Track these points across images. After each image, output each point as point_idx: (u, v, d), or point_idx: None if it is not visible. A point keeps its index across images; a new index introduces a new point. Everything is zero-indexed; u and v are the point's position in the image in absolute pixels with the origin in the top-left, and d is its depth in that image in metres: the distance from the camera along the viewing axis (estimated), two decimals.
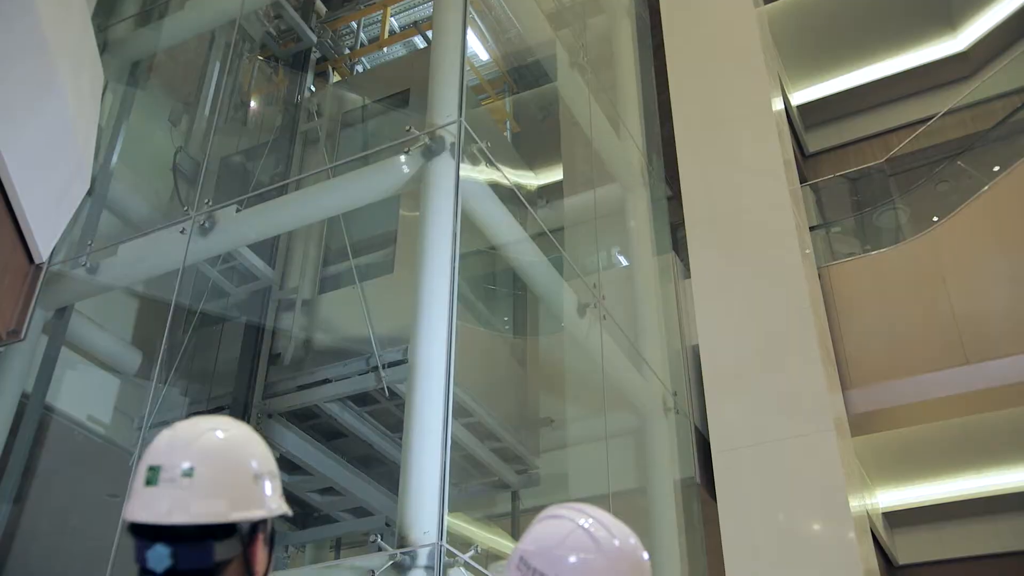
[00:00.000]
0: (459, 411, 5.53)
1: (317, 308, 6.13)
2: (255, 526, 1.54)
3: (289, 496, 1.66)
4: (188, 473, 1.49)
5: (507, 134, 8.47)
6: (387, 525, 5.97)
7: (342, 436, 6.06)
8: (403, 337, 5.15)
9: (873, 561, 6.31)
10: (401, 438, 4.25)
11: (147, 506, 1.47)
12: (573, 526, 1.57)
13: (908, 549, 9.14)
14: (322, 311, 6.11)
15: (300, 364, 5.83)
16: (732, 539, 6.23)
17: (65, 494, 6.10)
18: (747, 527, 6.23)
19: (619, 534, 1.57)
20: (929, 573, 9.01)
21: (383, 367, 5.35)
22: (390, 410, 5.77)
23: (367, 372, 5.47)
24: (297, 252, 6.64)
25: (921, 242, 7.54)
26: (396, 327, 5.45)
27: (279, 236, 6.55)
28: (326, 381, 5.64)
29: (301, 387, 5.73)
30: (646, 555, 1.61)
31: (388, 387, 5.34)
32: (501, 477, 6.51)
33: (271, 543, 1.61)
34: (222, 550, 1.48)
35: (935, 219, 7.72)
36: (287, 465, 5.88)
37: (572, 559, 1.52)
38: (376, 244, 6.35)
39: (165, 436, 1.57)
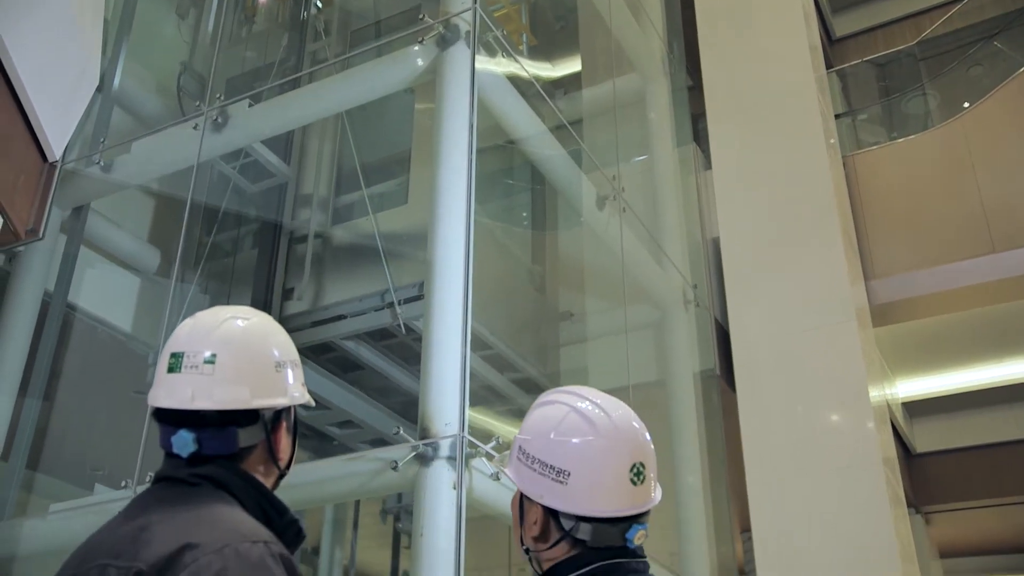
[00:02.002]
0: (477, 344, 5.50)
1: (330, 240, 6.06)
2: (278, 414, 1.55)
3: (307, 430, 1.66)
4: (210, 360, 1.49)
5: (523, 47, 8.21)
6: None
7: (359, 368, 6.05)
8: (419, 271, 5.04)
9: (892, 450, 6.36)
10: (419, 370, 4.22)
11: (171, 393, 1.48)
12: (567, 410, 1.54)
13: (926, 437, 9.21)
14: (335, 243, 6.04)
15: (314, 299, 5.78)
16: (751, 430, 6.29)
17: (92, 391, 6.20)
18: (766, 418, 6.27)
19: (615, 415, 1.54)
20: (947, 460, 9.10)
21: (399, 303, 5.28)
22: (407, 344, 5.73)
23: (382, 308, 5.41)
24: (312, 148, 6.57)
25: (950, 128, 7.33)
26: (411, 261, 5.35)
27: (294, 132, 6.47)
28: (341, 317, 5.58)
29: (316, 323, 5.69)
30: (648, 435, 1.57)
31: (405, 323, 5.27)
32: (522, 407, 6.53)
33: (295, 431, 1.61)
34: (245, 436, 1.49)
35: (966, 105, 7.49)
36: None
37: (568, 443, 1.50)
38: (389, 171, 6.23)
39: (187, 324, 1.57)
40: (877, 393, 6.33)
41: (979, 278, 6.69)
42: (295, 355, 1.61)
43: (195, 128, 5.57)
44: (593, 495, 1.47)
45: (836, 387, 6.13)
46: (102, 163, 5.84)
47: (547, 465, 1.49)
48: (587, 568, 1.46)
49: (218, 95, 5.69)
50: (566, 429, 1.51)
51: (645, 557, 1.54)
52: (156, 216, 6.78)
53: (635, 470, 1.50)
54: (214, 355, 1.49)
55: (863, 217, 7.27)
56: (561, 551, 1.50)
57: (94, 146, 5.99)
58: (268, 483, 1.54)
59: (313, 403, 1.64)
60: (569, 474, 1.47)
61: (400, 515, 6.56)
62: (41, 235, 4.79)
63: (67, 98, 5.20)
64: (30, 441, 5.71)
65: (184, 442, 1.46)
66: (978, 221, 6.81)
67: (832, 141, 7.23)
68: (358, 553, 7.38)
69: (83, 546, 1.43)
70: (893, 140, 7.96)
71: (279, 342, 1.58)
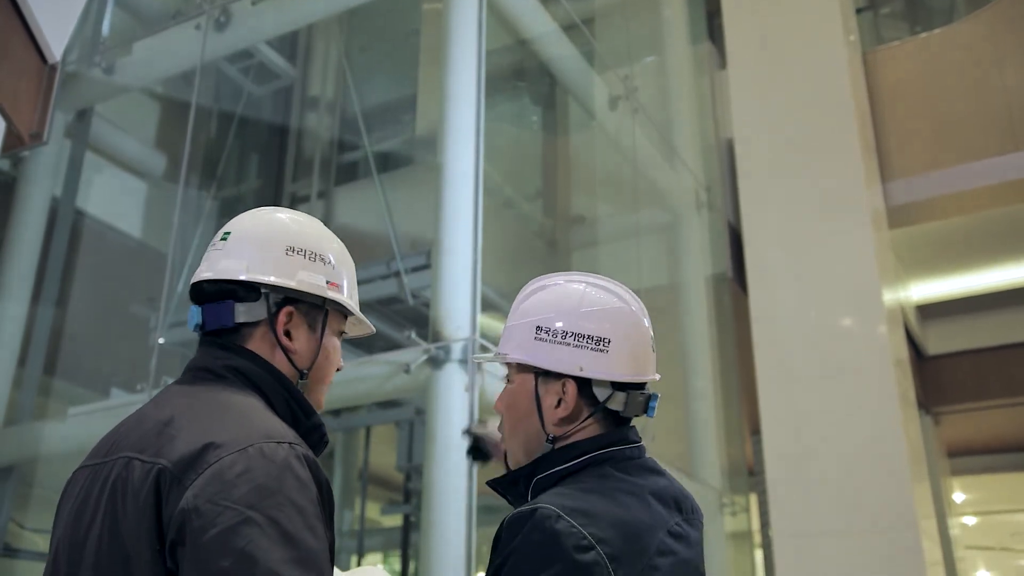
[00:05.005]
0: (486, 306, 5.41)
1: (333, 202, 5.94)
2: (288, 301, 1.50)
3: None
4: (224, 237, 1.52)
5: None
6: (417, 413, 5.91)
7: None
8: (425, 238, 4.89)
9: (904, 352, 6.36)
10: (427, 335, 4.16)
11: (196, 273, 1.52)
12: (581, 286, 1.56)
13: (938, 339, 9.22)
14: (338, 206, 5.92)
15: None
16: (763, 333, 6.28)
17: (105, 296, 6.22)
18: (778, 320, 6.26)
19: (620, 288, 1.59)
20: (958, 362, 9.13)
21: (405, 272, 5.15)
22: (416, 308, 5.63)
23: (388, 276, 5.30)
24: (318, 48, 6.43)
25: (976, 21, 7.08)
26: (417, 226, 5.21)
27: (299, 32, 6.32)
28: None
29: None
30: None
31: (412, 292, 5.14)
32: None
33: (321, 335, 1.53)
34: (243, 312, 1.47)
35: None
36: None
37: (603, 312, 1.53)
38: (394, 126, 6.06)
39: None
40: (890, 295, 6.30)
41: (1001, 177, 6.55)
42: (327, 253, 1.55)
43: (197, 28, 5.44)
44: (631, 359, 1.51)
45: (849, 289, 6.10)
46: (103, 65, 5.73)
47: (584, 336, 1.50)
48: (605, 450, 1.49)
49: None
50: (593, 301, 1.53)
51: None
52: (162, 120, 6.69)
53: (651, 337, 1.57)
54: (229, 232, 1.52)
55: (882, 116, 7.10)
56: (587, 432, 1.51)
57: (94, 48, 5.87)
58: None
59: (351, 309, 1.57)
60: (609, 341, 1.50)
61: (411, 474, 6.54)
62: (45, 139, 4.72)
63: None
64: (45, 346, 5.76)
65: (192, 317, 1.48)
66: (1001, 119, 6.64)
67: (852, 37, 7.02)
68: (371, 456, 7.49)
69: (112, 434, 1.43)
70: (916, 35, 7.72)
71: (303, 232, 1.55)
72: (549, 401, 1.52)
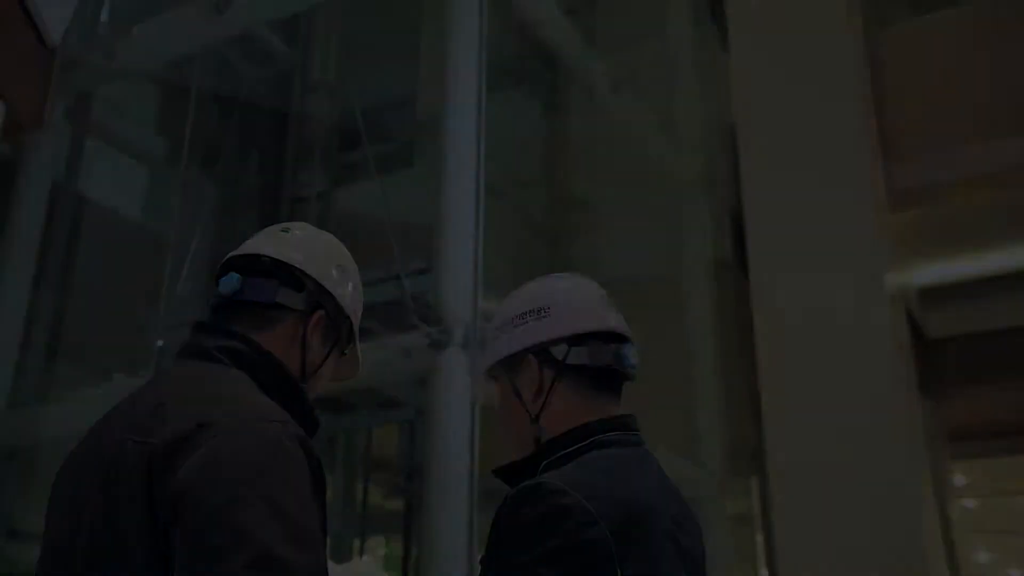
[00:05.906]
0: (487, 292, 5.37)
1: (332, 202, 5.93)
2: (320, 305, 1.58)
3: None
4: (286, 230, 1.65)
5: None
6: (418, 414, 5.86)
7: (369, 333, 5.89)
8: (427, 239, 4.84)
9: (905, 336, 6.36)
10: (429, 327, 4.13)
11: (246, 246, 1.61)
12: (525, 287, 1.68)
13: (940, 323, 9.20)
14: (339, 206, 5.90)
15: None
16: (764, 316, 6.27)
17: (108, 280, 6.22)
18: (780, 305, 6.25)
19: (560, 275, 1.72)
20: (960, 345, 9.12)
21: (406, 275, 5.09)
22: (417, 310, 5.57)
23: (388, 280, 5.26)
24: (319, 31, 6.41)
25: (982, 3, 7.01)
26: (418, 228, 5.17)
27: (299, 16, 6.30)
28: None
29: None
30: None
31: (413, 296, 5.09)
32: None
33: (331, 347, 1.62)
34: (284, 295, 1.54)
35: None
36: None
37: (540, 289, 1.65)
38: (396, 111, 6.03)
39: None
40: (892, 279, 6.29)
41: (1007, 160, 6.51)
42: (359, 288, 1.69)
43: (197, 12, 5.43)
44: (575, 313, 1.57)
45: (851, 272, 6.08)
46: (103, 49, 5.71)
47: (526, 313, 1.59)
48: (611, 433, 1.51)
49: None
50: (532, 288, 1.66)
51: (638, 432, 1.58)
52: (162, 104, 6.67)
53: (605, 298, 1.63)
54: (290, 228, 1.65)
55: (885, 98, 7.06)
56: (563, 396, 1.53)
57: (94, 31, 5.85)
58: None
59: (356, 343, 1.69)
60: (548, 307, 1.58)
61: (412, 475, 6.53)
62: (45, 123, 4.72)
63: None
64: (48, 331, 5.76)
65: (231, 281, 1.52)
66: (1007, 102, 6.59)
67: (856, 19, 6.98)
68: (372, 443, 7.49)
69: (105, 418, 1.45)
70: (920, 16, 7.66)
71: (352, 263, 1.69)
72: (525, 383, 1.57)
